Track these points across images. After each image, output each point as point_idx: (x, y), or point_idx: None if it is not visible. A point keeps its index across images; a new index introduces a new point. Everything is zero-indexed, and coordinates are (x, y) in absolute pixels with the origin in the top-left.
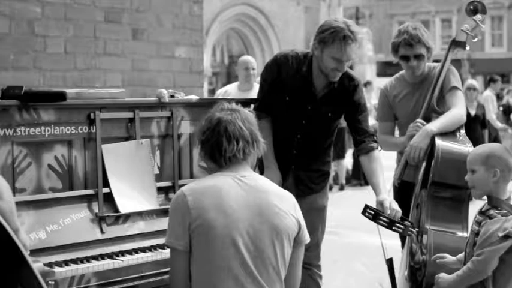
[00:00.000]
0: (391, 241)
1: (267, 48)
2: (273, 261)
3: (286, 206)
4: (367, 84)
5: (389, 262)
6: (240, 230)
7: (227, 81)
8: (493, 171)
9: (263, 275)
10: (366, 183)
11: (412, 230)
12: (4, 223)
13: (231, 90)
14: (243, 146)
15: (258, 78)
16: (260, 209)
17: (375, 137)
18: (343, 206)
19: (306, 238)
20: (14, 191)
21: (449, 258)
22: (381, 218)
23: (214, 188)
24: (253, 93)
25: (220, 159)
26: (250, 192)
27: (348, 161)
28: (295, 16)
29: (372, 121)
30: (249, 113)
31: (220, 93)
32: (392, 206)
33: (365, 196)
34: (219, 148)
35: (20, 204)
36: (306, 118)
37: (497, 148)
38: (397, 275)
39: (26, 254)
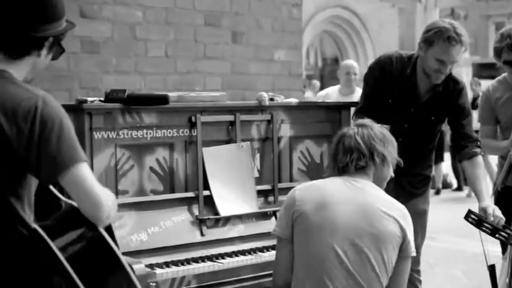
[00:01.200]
0: (492, 247)
1: (361, 50)
2: (373, 262)
3: (393, 212)
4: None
5: (491, 269)
6: (339, 223)
7: (320, 84)
8: None
9: (360, 273)
10: (458, 188)
11: None
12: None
13: (332, 93)
14: (356, 157)
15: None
16: (364, 209)
17: (478, 142)
18: (439, 210)
19: (411, 251)
20: (117, 193)
21: None
22: (485, 224)
23: (321, 184)
24: (355, 98)
25: (335, 168)
26: (356, 193)
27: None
28: (389, 18)
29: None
30: (376, 129)
31: (320, 95)
32: (496, 213)
33: (460, 201)
34: (335, 158)
35: (122, 206)
36: (409, 122)
37: None
38: (498, 282)
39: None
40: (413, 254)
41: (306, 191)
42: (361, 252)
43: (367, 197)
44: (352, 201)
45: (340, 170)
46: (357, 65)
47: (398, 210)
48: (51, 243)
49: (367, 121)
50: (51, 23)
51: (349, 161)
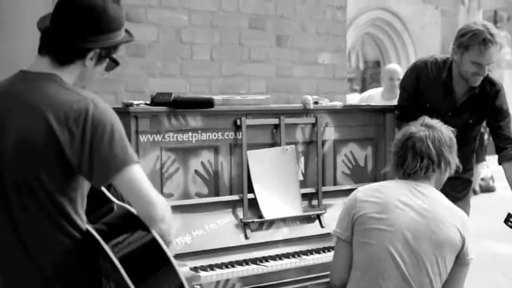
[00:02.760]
0: None
1: (403, 53)
2: (428, 268)
3: (454, 219)
4: None
5: None
6: (399, 226)
7: (362, 86)
8: None
9: (414, 277)
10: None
11: None
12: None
13: (375, 95)
14: (426, 164)
15: None
16: (425, 215)
17: None
18: (478, 212)
19: (469, 259)
20: (162, 195)
21: None
22: None
23: (384, 187)
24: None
25: (401, 171)
26: (418, 197)
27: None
28: (432, 20)
29: None
30: (445, 133)
31: (364, 96)
32: None
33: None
34: (403, 162)
35: None
36: (447, 125)
37: None
38: None
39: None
40: (470, 262)
41: (368, 193)
42: (418, 256)
43: (430, 203)
44: (414, 207)
45: (407, 175)
46: (400, 70)
47: (459, 217)
48: (105, 244)
49: (435, 122)
50: (99, 35)
51: (418, 168)
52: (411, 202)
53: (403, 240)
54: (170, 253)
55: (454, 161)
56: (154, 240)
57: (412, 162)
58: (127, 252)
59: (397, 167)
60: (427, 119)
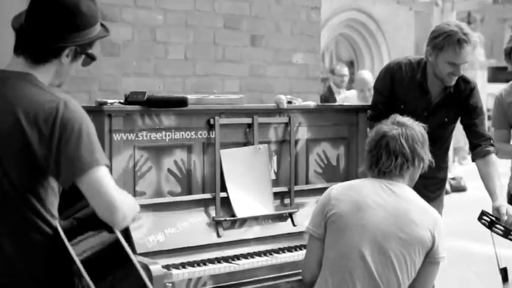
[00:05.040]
0: (504, 250)
1: (377, 53)
2: (396, 266)
3: (425, 219)
4: None
5: (504, 272)
6: (370, 225)
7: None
8: None
9: (382, 275)
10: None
11: None
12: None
13: (351, 97)
14: (401, 162)
15: None
16: (396, 214)
17: (491, 141)
18: (449, 211)
19: (439, 257)
20: (134, 194)
21: None
22: (497, 226)
23: (357, 185)
24: None
25: (375, 170)
26: (390, 196)
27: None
28: (405, 21)
29: None
30: (417, 129)
31: (340, 98)
32: (510, 212)
33: (470, 202)
34: (377, 161)
35: (139, 207)
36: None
37: None
38: (510, 285)
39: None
40: (441, 261)
41: (342, 191)
42: (386, 255)
43: (401, 200)
44: (386, 206)
45: (382, 173)
46: (371, 78)
47: (431, 216)
48: (68, 243)
49: (406, 119)
50: (74, 32)
51: (393, 166)
52: (383, 201)
53: (372, 239)
54: (133, 254)
55: (427, 156)
56: (117, 241)
57: (386, 161)
58: (92, 252)
59: (372, 166)
60: (398, 117)
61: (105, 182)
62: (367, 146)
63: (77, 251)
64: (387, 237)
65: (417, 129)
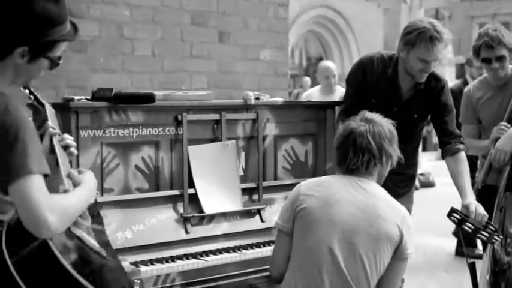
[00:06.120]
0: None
1: (346, 50)
2: (364, 261)
3: (393, 214)
4: None
5: (472, 266)
6: (338, 221)
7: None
8: None
9: (350, 270)
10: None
11: (497, 238)
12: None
13: (314, 94)
14: (367, 159)
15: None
16: (365, 208)
17: (461, 139)
18: (418, 207)
19: (408, 253)
20: (102, 191)
21: None
22: (467, 224)
23: (326, 181)
24: (336, 97)
25: (343, 167)
26: (360, 192)
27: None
28: (374, 18)
29: None
30: (385, 126)
31: (304, 97)
32: (479, 211)
33: (438, 197)
34: (344, 158)
35: (107, 204)
36: (392, 121)
37: None
38: (478, 279)
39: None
40: (408, 258)
41: (311, 187)
42: (355, 250)
43: (370, 196)
44: (355, 202)
45: (349, 170)
46: (334, 66)
47: (399, 212)
48: (4, 246)
49: (375, 116)
50: (25, 32)
51: (360, 163)
52: (352, 197)
53: (341, 235)
54: (64, 260)
55: (396, 153)
56: (50, 251)
57: (353, 158)
58: (24, 256)
59: (340, 162)
60: (366, 113)
61: (32, 194)
62: (335, 142)
63: (11, 254)
64: (356, 232)
65: (385, 125)
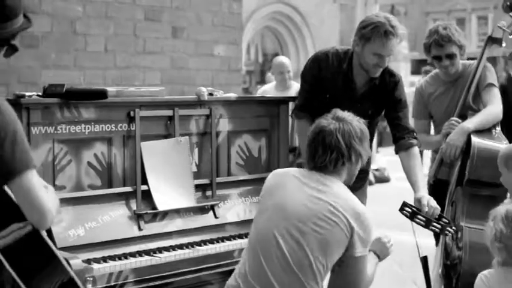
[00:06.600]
0: (426, 239)
1: (302, 46)
2: (307, 249)
3: (346, 209)
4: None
5: (424, 260)
6: (290, 209)
7: (261, 79)
8: None
9: (293, 256)
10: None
11: (450, 229)
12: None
13: (269, 90)
14: (335, 157)
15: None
16: (317, 202)
17: (415, 134)
18: (373, 202)
19: (356, 251)
20: (54, 188)
21: None
22: (419, 217)
23: (291, 171)
24: (291, 93)
25: (312, 164)
26: (318, 186)
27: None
28: (330, 14)
29: None
30: (355, 125)
31: (259, 93)
32: (431, 204)
33: (393, 192)
34: (313, 155)
35: (59, 202)
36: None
37: None
38: (431, 273)
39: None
40: (359, 254)
41: (277, 174)
42: (301, 239)
43: (326, 192)
44: (312, 193)
45: (318, 168)
46: (289, 61)
47: (352, 209)
48: None
49: (347, 115)
50: None
51: (328, 161)
52: (309, 189)
53: (289, 222)
54: (54, 246)
55: (366, 152)
56: (37, 232)
57: (322, 156)
58: (11, 243)
59: (309, 160)
60: (338, 112)
61: (36, 186)
62: (307, 140)
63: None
64: (304, 224)
65: (356, 124)
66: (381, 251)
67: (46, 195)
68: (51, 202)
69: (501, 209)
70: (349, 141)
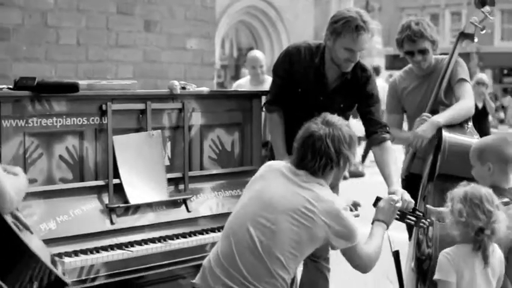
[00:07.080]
0: (398, 234)
1: (276, 41)
2: (279, 242)
3: (322, 205)
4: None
5: (396, 254)
6: (266, 198)
7: (235, 74)
8: (487, 165)
9: (264, 246)
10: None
11: (424, 221)
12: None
13: (244, 84)
14: (324, 163)
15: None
16: (295, 196)
17: (387, 128)
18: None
19: (334, 247)
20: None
21: None
22: None
23: (278, 164)
24: (265, 87)
25: (300, 166)
26: (299, 181)
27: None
28: (305, 9)
29: None
30: (345, 130)
31: (234, 87)
32: (404, 197)
33: (366, 186)
34: (303, 159)
35: (30, 195)
36: (318, 110)
37: (492, 141)
38: (403, 267)
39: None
40: (340, 247)
41: (263, 167)
42: (272, 228)
43: (306, 189)
44: (292, 187)
45: (306, 170)
46: (263, 56)
47: (330, 207)
48: None
49: (336, 120)
50: None
51: (317, 167)
52: (291, 182)
53: (263, 213)
54: (24, 236)
55: (353, 157)
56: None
57: (311, 161)
58: None
59: (298, 163)
60: (328, 116)
61: None
62: (296, 142)
63: None
64: (279, 213)
65: (345, 130)
66: (386, 216)
67: (7, 180)
68: (12, 184)
69: (459, 191)
70: (338, 146)
